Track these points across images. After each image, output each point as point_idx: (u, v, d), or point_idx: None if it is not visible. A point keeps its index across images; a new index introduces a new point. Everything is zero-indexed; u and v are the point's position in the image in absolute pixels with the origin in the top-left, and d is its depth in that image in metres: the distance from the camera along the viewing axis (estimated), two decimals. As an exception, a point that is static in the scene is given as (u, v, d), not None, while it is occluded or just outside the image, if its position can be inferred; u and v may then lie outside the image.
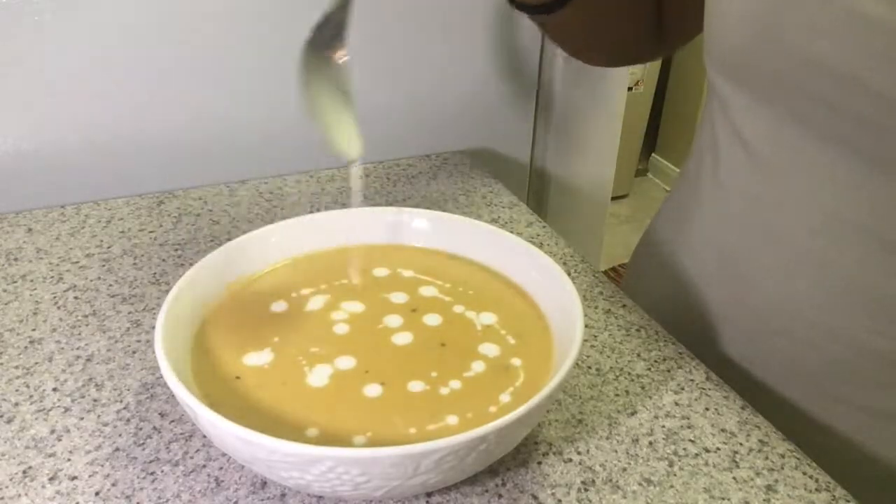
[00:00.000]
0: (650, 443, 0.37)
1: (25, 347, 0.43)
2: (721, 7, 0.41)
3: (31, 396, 0.39)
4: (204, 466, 0.35)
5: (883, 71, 0.34)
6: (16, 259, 0.52)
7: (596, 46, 0.57)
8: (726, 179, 0.46)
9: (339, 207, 0.61)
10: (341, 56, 0.40)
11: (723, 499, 0.34)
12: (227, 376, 0.34)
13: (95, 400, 0.39)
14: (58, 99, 0.60)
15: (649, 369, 0.43)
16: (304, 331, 0.37)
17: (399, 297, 0.39)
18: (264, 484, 0.34)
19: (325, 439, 0.30)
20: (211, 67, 0.64)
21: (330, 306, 0.38)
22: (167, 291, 0.35)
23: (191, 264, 0.44)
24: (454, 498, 0.34)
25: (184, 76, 0.63)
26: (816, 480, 0.35)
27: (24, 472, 0.35)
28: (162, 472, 0.35)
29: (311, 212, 0.60)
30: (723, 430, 0.38)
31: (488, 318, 0.38)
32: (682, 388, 0.41)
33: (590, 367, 0.43)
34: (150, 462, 0.35)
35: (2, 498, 0.33)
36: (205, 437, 0.36)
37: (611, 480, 0.35)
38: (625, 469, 0.36)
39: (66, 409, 0.39)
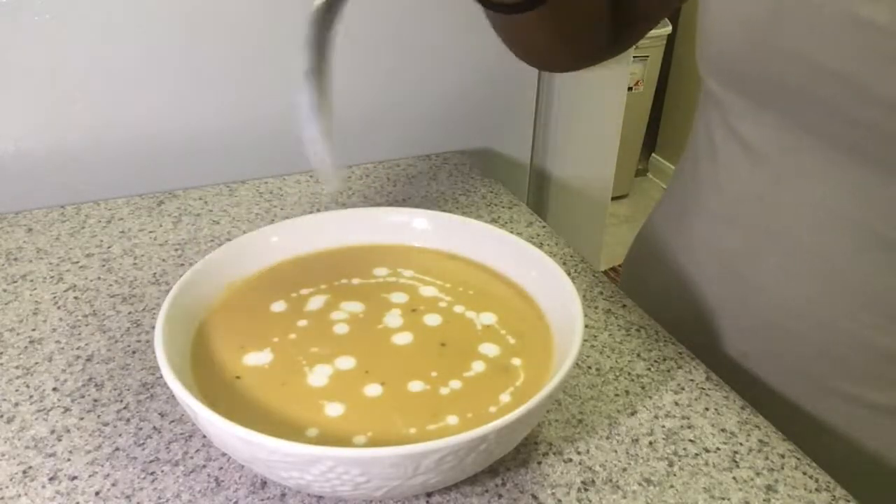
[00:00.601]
0: (650, 443, 0.37)
1: (25, 347, 0.43)
2: (716, 13, 0.41)
3: (31, 396, 0.39)
4: (204, 466, 0.35)
5: (884, 75, 0.34)
6: (16, 259, 0.52)
7: (554, 50, 0.56)
8: (726, 182, 0.46)
9: (339, 207, 0.61)
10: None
11: (723, 499, 0.34)
12: (227, 376, 0.34)
13: (95, 400, 0.39)
14: (58, 99, 0.60)
15: (649, 369, 0.43)
16: (304, 331, 0.37)
17: (399, 297, 0.39)
18: (264, 484, 0.34)
19: (325, 439, 0.30)
20: (211, 68, 0.64)
21: (330, 306, 0.38)
22: (167, 291, 0.35)
23: (191, 264, 0.44)
24: (454, 498, 0.34)
25: (184, 76, 0.63)
26: (816, 480, 0.35)
27: (24, 472, 0.35)
28: (162, 472, 0.35)
29: (311, 212, 0.60)
30: (723, 430, 0.38)
31: (488, 318, 0.38)
32: (682, 388, 0.41)
33: (590, 367, 0.43)
34: (150, 462, 0.35)
35: (2, 498, 0.33)
36: (205, 437, 0.36)
37: (611, 480, 0.35)
38: (625, 469, 0.36)
39: (66, 409, 0.39)
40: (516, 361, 0.35)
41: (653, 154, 2.60)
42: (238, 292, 0.39)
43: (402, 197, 0.64)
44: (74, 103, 0.61)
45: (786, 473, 0.36)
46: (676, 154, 2.44)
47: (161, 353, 0.31)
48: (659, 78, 2.25)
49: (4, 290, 0.49)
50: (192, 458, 0.36)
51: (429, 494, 0.34)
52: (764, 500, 0.34)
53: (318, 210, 0.60)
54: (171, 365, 0.30)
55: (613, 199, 0.96)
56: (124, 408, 0.39)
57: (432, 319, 0.38)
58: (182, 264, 0.52)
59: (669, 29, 2.02)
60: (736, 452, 0.37)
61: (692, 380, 0.42)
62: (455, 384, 0.33)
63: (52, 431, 0.37)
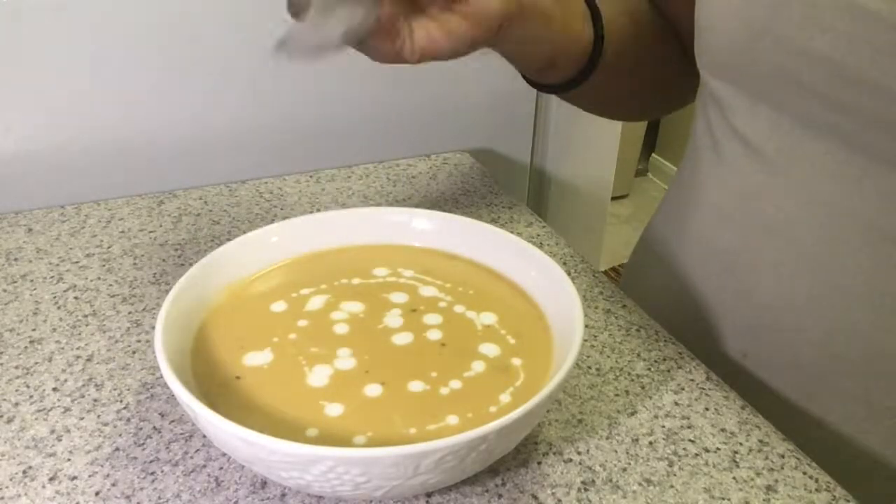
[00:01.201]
0: (650, 443, 0.37)
1: (25, 347, 0.43)
2: (713, 8, 0.41)
3: (31, 396, 0.40)
4: (204, 466, 0.35)
5: (884, 65, 0.34)
6: (16, 259, 0.52)
7: (627, 104, 0.57)
8: (726, 178, 0.46)
9: (339, 207, 0.61)
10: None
11: (723, 499, 0.34)
12: (227, 376, 0.34)
13: (95, 400, 0.39)
14: (58, 99, 0.60)
15: (649, 369, 0.43)
16: (304, 331, 0.37)
17: (399, 297, 0.39)
18: (264, 484, 0.34)
19: (325, 439, 0.30)
20: (211, 68, 0.64)
21: (330, 306, 0.38)
22: (167, 291, 0.35)
23: (191, 264, 0.44)
24: (454, 498, 0.34)
25: (184, 76, 0.63)
26: (816, 480, 0.35)
27: (24, 472, 0.35)
28: (162, 472, 0.35)
29: (311, 212, 0.60)
30: (723, 430, 0.38)
31: (488, 318, 0.38)
32: (682, 388, 0.41)
33: (590, 367, 0.43)
34: (150, 462, 0.35)
35: (2, 498, 0.33)
36: (205, 437, 0.36)
37: (611, 480, 0.35)
38: (625, 469, 0.36)
39: (66, 409, 0.39)
40: (516, 361, 0.35)
41: (653, 154, 2.60)
42: (238, 292, 0.39)
43: (402, 197, 0.64)
44: (75, 103, 0.61)
45: (786, 473, 0.36)
46: (676, 154, 2.44)
47: (161, 353, 0.31)
48: (659, 78, 2.24)
49: (4, 290, 0.49)
50: (192, 458, 0.36)
51: (429, 494, 0.34)
52: (764, 500, 0.34)
53: (318, 210, 0.60)
54: (171, 365, 0.30)
55: (613, 199, 0.96)
56: (124, 408, 0.39)
57: (432, 319, 0.38)
58: (182, 264, 0.52)
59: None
60: (736, 452, 0.37)
61: (692, 380, 0.42)
62: (455, 384, 0.34)
63: (52, 431, 0.37)
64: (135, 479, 0.34)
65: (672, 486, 0.35)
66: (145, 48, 0.61)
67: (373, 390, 0.33)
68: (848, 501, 0.35)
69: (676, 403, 0.40)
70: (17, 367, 0.42)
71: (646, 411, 0.39)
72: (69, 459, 0.36)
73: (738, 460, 0.36)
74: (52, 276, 0.50)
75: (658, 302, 0.51)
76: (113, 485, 0.34)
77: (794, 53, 0.37)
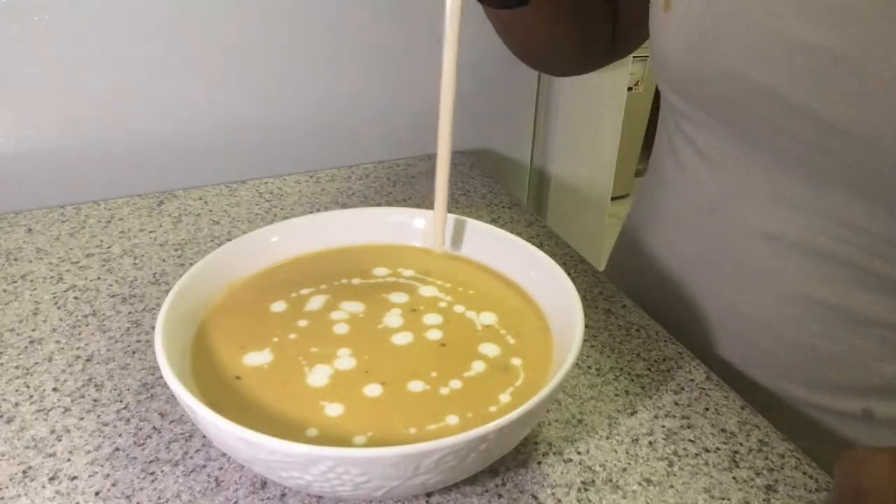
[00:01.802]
0: (650, 443, 0.37)
1: (25, 347, 0.43)
2: (662, 31, 0.42)
3: (31, 396, 0.39)
4: (204, 466, 0.35)
5: (817, 93, 0.34)
6: (16, 259, 0.52)
7: (554, 49, 0.56)
8: (685, 188, 0.47)
9: (339, 207, 0.61)
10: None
11: (723, 499, 0.34)
12: (227, 376, 0.34)
13: (95, 400, 0.39)
14: (58, 99, 0.60)
15: (649, 369, 0.43)
16: (304, 331, 0.37)
17: (399, 297, 0.39)
18: (264, 484, 0.34)
19: (325, 439, 0.30)
20: (211, 67, 0.64)
21: (330, 306, 0.38)
22: (167, 291, 0.35)
23: (191, 264, 0.44)
24: (454, 498, 0.34)
25: (184, 76, 0.63)
26: (816, 480, 0.35)
27: (24, 472, 0.35)
28: (162, 472, 0.35)
29: (311, 212, 0.60)
30: (723, 430, 0.38)
31: (488, 318, 0.38)
32: (682, 388, 0.41)
33: (590, 367, 0.43)
34: (150, 462, 0.35)
35: (2, 498, 0.33)
36: (205, 437, 0.36)
37: (611, 480, 0.35)
38: (625, 469, 0.36)
39: (66, 409, 0.39)
40: (516, 361, 0.35)
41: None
42: (238, 292, 0.39)
43: (402, 197, 0.64)
44: (74, 103, 0.61)
45: (786, 473, 0.36)
46: (676, 154, 2.44)
47: (161, 353, 0.31)
48: (659, 78, 2.24)
49: (4, 290, 0.49)
50: (192, 458, 0.36)
51: (429, 494, 0.34)
52: (764, 500, 0.34)
53: (318, 210, 0.60)
54: (171, 365, 0.30)
55: (613, 199, 0.96)
56: (124, 408, 0.39)
57: (432, 319, 0.38)
58: (182, 264, 0.52)
59: (669, 29, 2.01)
60: (736, 452, 0.37)
61: (692, 380, 0.42)
62: (455, 384, 0.33)
63: (52, 431, 0.37)
64: (135, 479, 0.34)
65: (672, 486, 0.35)
66: (146, 48, 0.61)
67: (373, 390, 0.33)
68: (848, 501, 0.35)
69: (676, 403, 0.40)
70: (17, 367, 0.42)
71: (646, 411, 0.39)
72: (69, 459, 0.36)
73: (738, 460, 0.36)
74: (52, 276, 0.50)
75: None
76: (113, 485, 0.34)
77: (736, 81, 0.38)
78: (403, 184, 0.66)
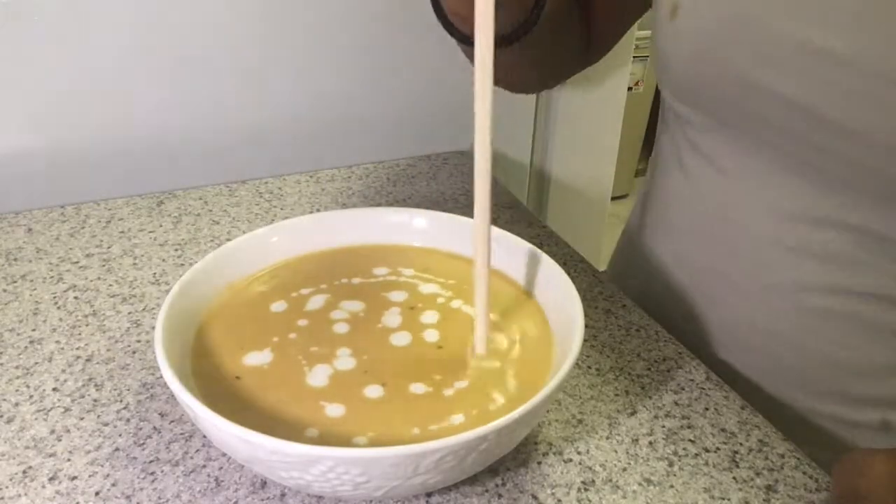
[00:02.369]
0: (650, 443, 0.37)
1: (25, 347, 0.43)
2: (667, 33, 0.42)
3: (31, 396, 0.39)
4: (204, 466, 0.35)
5: (838, 102, 0.34)
6: (16, 259, 0.52)
7: (535, 81, 0.56)
8: (693, 193, 0.46)
9: (339, 207, 0.61)
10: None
11: (723, 499, 0.34)
12: (227, 376, 0.34)
13: (95, 400, 0.39)
14: (58, 99, 0.60)
15: (649, 369, 0.43)
16: (305, 331, 0.37)
17: (399, 297, 0.39)
18: (264, 484, 0.34)
19: (326, 440, 0.30)
20: (211, 68, 0.64)
21: (330, 306, 0.38)
22: (167, 291, 0.35)
23: (191, 264, 0.44)
24: (454, 498, 0.34)
25: (184, 76, 0.63)
26: (816, 480, 0.35)
27: (24, 472, 0.35)
28: (162, 472, 0.35)
29: (311, 212, 0.60)
30: (723, 430, 0.38)
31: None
32: (682, 388, 0.41)
33: (590, 367, 0.43)
34: (150, 462, 0.35)
35: (2, 498, 0.33)
36: (205, 437, 0.36)
37: (611, 480, 0.35)
38: (625, 469, 0.36)
39: (66, 409, 0.39)
40: (516, 361, 0.35)
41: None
42: (238, 292, 0.39)
43: (402, 197, 0.64)
44: (74, 103, 0.61)
45: (786, 473, 0.36)
46: (676, 154, 2.44)
47: (161, 353, 0.31)
48: (659, 78, 2.24)
49: (4, 290, 0.49)
50: (192, 458, 0.36)
51: (429, 494, 0.34)
52: (764, 500, 0.34)
53: (318, 210, 0.60)
54: (171, 365, 0.30)
55: (613, 199, 0.96)
56: (124, 408, 0.39)
57: (432, 319, 0.38)
58: (182, 264, 0.52)
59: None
60: (736, 452, 0.37)
61: (692, 380, 0.42)
62: (455, 384, 0.33)
63: (52, 431, 0.37)
64: (135, 479, 0.34)
65: (672, 486, 0.35)
66: (146, 48, 0.61)
67: (373, 391, 0.33)
68: (848, 501, 0.35)
69: (676, 403, 0.40)
70: (17, 367, 0.42)
71: (646, 411, 0.39)
72: (69, 459, 0.36)
73: (738, 460, 0.36)
74: (52, 276, 0.50)
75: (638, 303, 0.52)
76: (113, 485, 0.34)
77: (748, 89, 0.38)
78: (403, 184, 0.66)
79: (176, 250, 0.54)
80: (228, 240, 0.41)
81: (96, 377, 0.41)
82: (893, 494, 0.26)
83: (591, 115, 0.84)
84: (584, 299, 0.49)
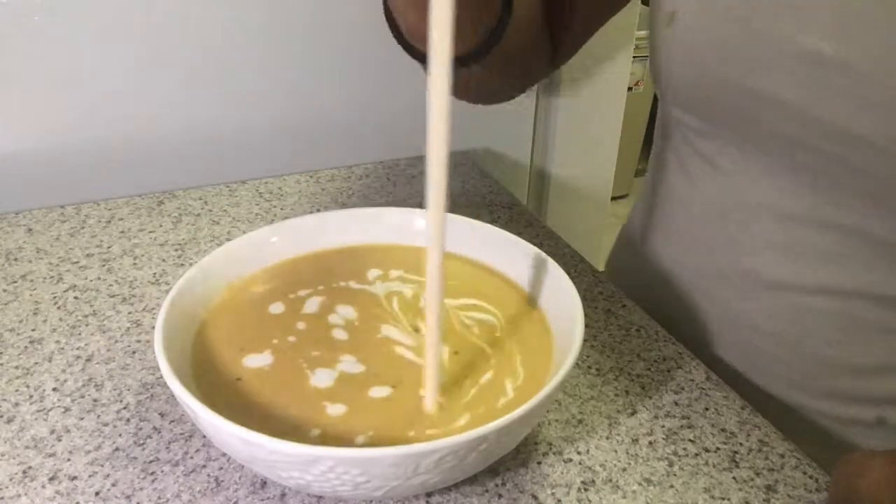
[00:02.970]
0: (650, 443, 0.37)
1: (25, 347, 0.43)
2: (664, 41, 0.42)
3: (31, 396, 0.39)
4: (204, 466, 0.35)
5: (833, 105, 0.34)
6: (16, 259, 0.52)
7: (500, 90, 0.55)
8: (692, 197, 0.46)
9: (339, 207, 0.61)
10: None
11: (723, 499, 0.34)
12: (227, 377, 0.34)
13: (95, 400, 0.39)
14: (58, 99, 0.60)
15: (649, 369, 0.43)
16: (305, 332, 0.37)
17: (398, 298, 0.39)
18: (264, 484, 0.34)
19: (326, 440, 0.30)
20: (211, 68, 0.64)
21: (330, 308, 0.38)
22: (167, 291, 0.35)
23: (191, 264, 0.44)
24: (454, 498, 0.34)
25: (184, 76, 0.63)
26: (816, 480, 0.35)
27: (24, 472, 0.35)
28: (162, 472, 0.35)
29: (311, 212, 0.60)
30: (723, 430, 0.38)
31: (488, 317, 0.38)
32: (682, 388, 0.41)
33: (590, 367, 0.43)
34: (150, 462, 0.35)
35: (2, 498, 0.33)
36: (205, 437, 0.36)
37: (611, 480, 0.35)
38: (625, 469, 0.36)
39: (66, 409, 0.39)
40: (516, 361, 0.35)
41: (653, 154, 2.59)
42: (238, 292, 0.39)
43: (402, 197, 0.64)
44: (74, 103, 0.61)
45: (786, 473, 0.36)
46: (676, 154, 2.44)
47: (161, 353, 0.31)
48: (659, 78, 2.24)
49: (4, 290, 0.49)
50: (192, 458, 0.36)
51: (429, 494, 0.34)
52: (764, 500, 0.34)
53: (318, 210, 0.60)
54: (171, 365, 0.30)
55: (613, 199, 0.96)
56: (124, 408, 0.39)
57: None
58: (182, 264, 0.52)
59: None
60: (736, 452, 0.37)
61: (692, 380, 0.42)
62: (454, 385, 0.33)
63: (52, 431, 0.37)
64: (135, 479, 0.34)
65: (672, 486, 0.35)
66: (146, 48, 0.61)
67: (374, 392, 0.33)
68: (848, 501, 0.35)
69: (676, 403, 0.40)
70: (17, 367, 0.42)
71: (646, 411, 0.39)
72: (69, 459, 0.36)
73: (738, 460, 0.36)
74: (52, 276, 0.50)
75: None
76: (113, 485, 0.34)
77: (745, 94, 0.38)
78: (403, 184, 0.66)
79: (176, 250, 0.54)
80: (228, 240, 0.41)
81: (96, 377, 0.41)
82: (892, 496, 0.26)
83: (591, 115, 0.84)
84: (584, 299, 0.49)
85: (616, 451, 0.37)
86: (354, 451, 0.26)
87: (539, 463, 0.36)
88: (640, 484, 0.35)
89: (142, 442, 0.37)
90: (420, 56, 0.42)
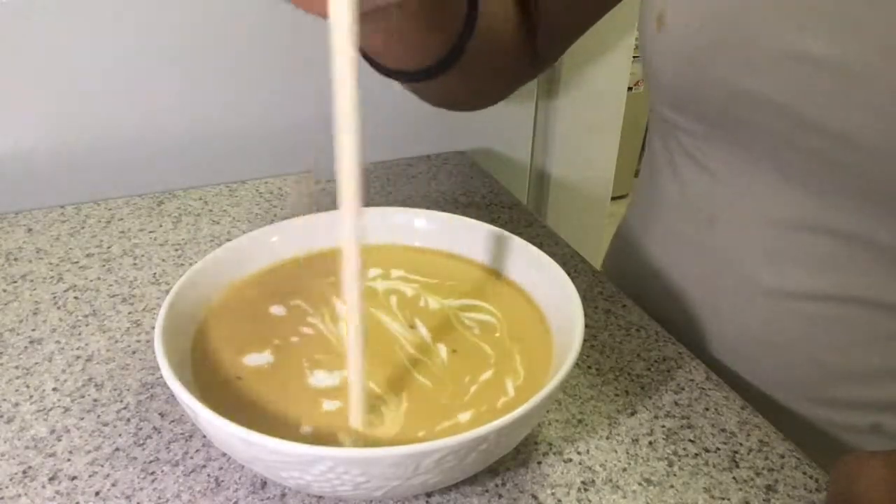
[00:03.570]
0: (650, 443, 0.37)
1: (25, 347, 0.43)
2: (655, 45, 0.42)
3: (31, 396, 0.39)
4: (204, 466, 0.35)
5: (823, 106, 0.34)
6: (16, 259, 0.52)
7: (477, 97, 0.55)
8: (683, 200, 0.46)
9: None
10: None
11: (723, 499, 0.34)
12: (227, 376, 0.34)
13: (95, 400, 0.39)
14: (58, 99, 0.60)
15: (649, 369, 0.43)
16: (305, 332, 0.37)
17: (398, 298, 0.39)
18: (264, 484, 0.34)
19: (326, 439, 0.30)
20: (211, 68, 0.64)
21: (330, 308, 0.38)
22: (167, 291, 0.35)
23: (191, 264, 0.44)
24: (454, 498, 0.34)
25: (184, 76, 0.63)
26: (816, 480, 0.35)
27: (24, 472, 0.35)
28: (162, 472, 0.35)
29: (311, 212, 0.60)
30: (723, 430, 0.38)
31: (488, 318, 0.38)
32: (682, 388, 0.41)
33: (590, 367, 0.43)
34: (150, 462, 0.35)
35: (2, 498, 0.33)
36: (205, 437, 0.36)
37: (611, 480, 0.35)
38: (625, 469, 0.36)
39: (66, 409, 0.39)
40: (516, 361, 0.35)
41: (653, 154, 2.59)
42: (238, 292, 0.39)
43: (402, 197, 0.64)
44: (74, 103, 0.61)
45: (786, 473, 0.36)
46: (676, 154, 2.43)
47: (161, 353, 0.31)
48: (659, 78, 2.24)
49: (4, 290, 0.49)
50: (192, 458, 0.36)
51: (429, 494, 0.34)
52: (764, 500, 0.34)
53: (318, 210, 0.60)
54: (171, 365, 0.30)
55: (613, 199, 0.96)
56: (124, 408, 0.39)
57: (431, 320, 0.38)
58: (182, 264, 0.52)
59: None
60: (736, 452, 0.37)
61: (692, 380, 0.42)
62: (454, 385, 0.33)
63: (52, 431, 0.37)
64: (135, 479, 0.34)
65: (672, 486, 0.35)
66: (146, 48, 0.61)
67: (374, 393, 0.33)
68: (848, 501, 0.35)
69: (676, 403, 0.40)
70: (17, 367, 0.42)
71: (646, 411, 0.39)
72: (69, 459, 0.36)
73: (738, 460, 0.36)
74: (52, 276, 0.50)
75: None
76: (113, 485, 0.34)
77: (736, 95, 0.38)
78: (403, 184, 0.66)
79: (176, 250, 0.54)
80: (228, 240, 0.41)
81: (96, 377, 0.41)
82: (890, 497, 0.26)
83: (591, 116, 0.84)
84: (584, 299, 0.49)
85: (616, 451, 0.37)
86: (354, 451, 0.26)
87: (539, 463, 0.36)
88: (640, 484, 0.35)
89: (142, 442, 0.37)
90: (387, 72, 0.43)
